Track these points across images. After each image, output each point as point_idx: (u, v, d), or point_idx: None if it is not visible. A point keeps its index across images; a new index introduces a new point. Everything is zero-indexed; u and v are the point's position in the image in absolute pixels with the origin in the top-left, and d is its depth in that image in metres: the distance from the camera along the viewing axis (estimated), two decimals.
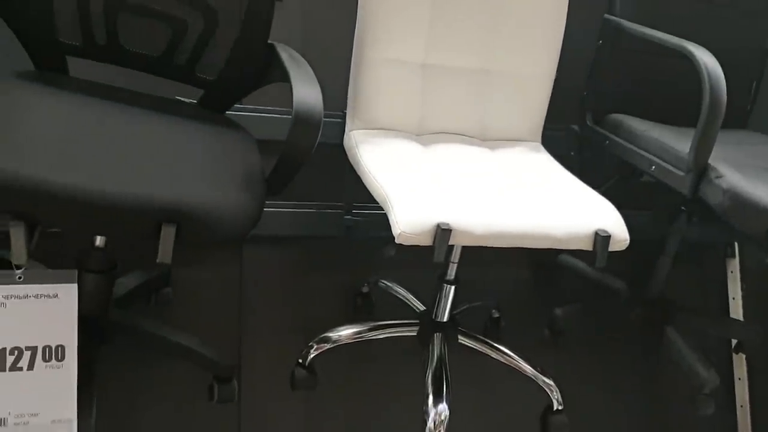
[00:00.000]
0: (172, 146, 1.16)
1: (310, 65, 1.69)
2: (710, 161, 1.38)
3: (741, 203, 1.33)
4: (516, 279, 1.89)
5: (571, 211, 1.29)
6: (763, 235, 1.38)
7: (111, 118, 1.18)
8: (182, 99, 1.51)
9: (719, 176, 1.35)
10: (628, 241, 1.29)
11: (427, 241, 1.19)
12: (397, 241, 1.19)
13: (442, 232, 1.17)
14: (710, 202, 1.37)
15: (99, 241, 1.32)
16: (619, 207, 1.33)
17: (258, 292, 1.71)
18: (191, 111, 1.37)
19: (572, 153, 1.85)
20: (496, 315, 1.81)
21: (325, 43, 1.69)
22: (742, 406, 2.02)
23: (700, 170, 1.38)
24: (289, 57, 1.26)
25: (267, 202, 1.70)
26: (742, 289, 2.04)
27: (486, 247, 1.38)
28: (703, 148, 1.36)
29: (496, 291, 1.87)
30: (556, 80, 1.63)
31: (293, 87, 1.15)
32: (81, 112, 1.16)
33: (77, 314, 1.22)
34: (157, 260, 1.04)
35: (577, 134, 1.74)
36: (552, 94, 1.62)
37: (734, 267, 2.06)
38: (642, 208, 1.90)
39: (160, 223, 1.02)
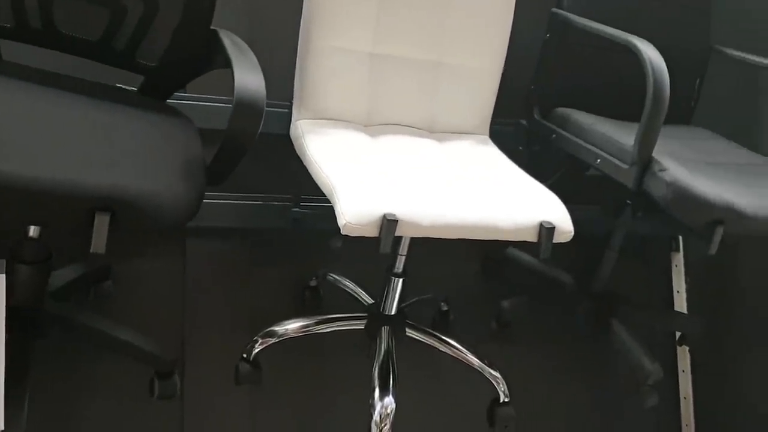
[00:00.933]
0: (109, 133, 1.12)
1: (257, 53, 1.66)
2: (654, 155, 1.40)
3: (684, 196, 1.35)
4: (465, 272, 1.89)
5: (517, 204, 1.29)
6: (705, 227, 1.40)
7: (45, 104, 1.14)
8: (123, 86, 1.47)
9: (663, 169, 1.37)
10: (572, 233, 1.29)
11: (373, 233, 1.17)
12: (342, 232, 1.17)
13: (389, 223, 1.16)
14: (654, 195, 1.38)
15: (33, 231, 1.27)
16: (567, 201, 1.34)
17: (203, 285, 1.68)
18: (131, 98, 1.33)
19: (520, 147, 1.86)
20: (445, 308, 1.81)
21: (273, 31, 1.66)
22: (685, 398, 2.06)
23: (644, 164, 1.39)
24: (231, 43, 1.23)
25: (213, 193, 1.69)
26: (686, 283, 2.08)
27: (435, 239, 1.38)
28: (646, 141, 1.37)
29: (446, 284, 1.86)
30: (505, 74, 1.63)
31: (235, 73, 1.12)
32: (12, 98, 1.11)
33: (6, 306, 1.17)
34: (91, 250, 1.00)
35: (525, 128, 1.75)
36: (501, 87, 1.62)
37: (678, 261, 2.09)
38: (591, 202, 1.91)
39: (93, 211, 0.99)
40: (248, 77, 1.12)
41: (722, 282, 1.99)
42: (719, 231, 1.38)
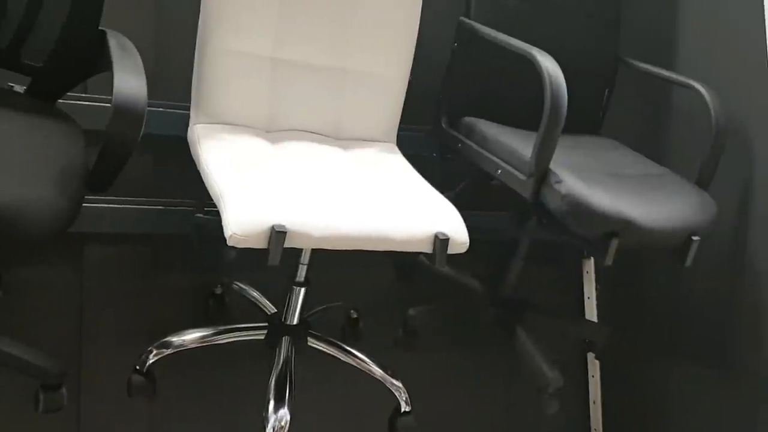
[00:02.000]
0: None
1: (161, 54, 1.62)
2: (552, 166, 1.41)
3: (578, 208, 1.36)
4: (376, 279, 1.88)
5: (413, 214, 1.28)
6: (600, 239, 1.42)
7: None
8: (12, 86, 1.40)
9: (558, 181, 1.38)
10: (467, 245, 1.29)
11: (261, 244, 1.14)
12: (228, 243, 1.14)
13: (277, 234, 1.13)
14: (549, 206, 1.39)
15: None
16: (478, 208, 1.33)
17: (101, 293, 1.62)
18: (15, 100, 1.27)
19: (434, 154, 1.86)
20: (355, 316, 1.79)
21: (178, 32, 1.61)
22: (594, 403, 2.10)
23: (541, 175, 1.40)
24: (117, 44, 1.18)
25: (113, 197, 1.63)
26: (596, 289, 2.11)
27: (347, 250, 1.36)
28: (543, 152, 1.38)
29: (356, 291, 1.84)
30: (419, 81, 1.62)
31: (114, 76, 1.08)
32: None
33: None
34: None
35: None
36: (415, 95, 1.61)
37: (589, 267, 2.13)
38: (503, 209, 1.93)
39: None
40: (128, 80, 1.08)
41: (632, 288, 2.03)
42: (614, 243, 1.40)
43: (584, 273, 2.14)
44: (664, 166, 1.72)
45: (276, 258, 1.14)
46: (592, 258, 2.12)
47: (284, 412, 1.36)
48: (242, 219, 1.13)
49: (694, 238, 1.49)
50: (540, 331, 1.76)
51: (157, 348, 1.46)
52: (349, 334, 1.79)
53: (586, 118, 1.85)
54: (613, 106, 1.90)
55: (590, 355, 2.09)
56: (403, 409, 1.56)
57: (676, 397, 1.89)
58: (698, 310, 1.83)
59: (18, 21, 1.25)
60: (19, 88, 1.37)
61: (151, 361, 1.46)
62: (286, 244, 1.15)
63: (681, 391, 1.87)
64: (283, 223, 1.14)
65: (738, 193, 1.71)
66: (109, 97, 1.56)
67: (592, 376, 2.10)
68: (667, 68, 1.80)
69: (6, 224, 0.96)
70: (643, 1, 1.97)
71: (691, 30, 1.87)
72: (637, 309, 2.01)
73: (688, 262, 1.51)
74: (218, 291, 1.70)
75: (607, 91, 1.87)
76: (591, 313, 2.12)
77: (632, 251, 2.02)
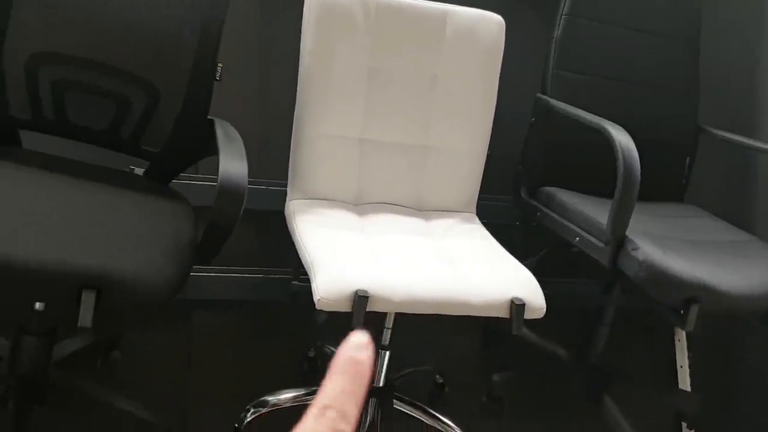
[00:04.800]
0: (105, 215, 1.24)
1: (263, 138, 1.79)
2: (629, 234, 1.44)
3: (656, 275, 1.39)
4: (462, 344, 1.93)
5: (490, 280, 1.35)
6: (680, 305, 1.43)
7: (51, 189, 1.26)
8: (133, 168, 1.60)
9: (635, 248, 1.41)
10: (544, 310, 1.34)
11: (346, 307, 1.24)
12: (317, 306, 1.25)
13: (360, 298, 1.23)
14: (628, 273, 1.42)
15: (38, 305, 1.38)
16: (562, 276, 1.37)
17: (206, 355, 1.76)
18: (135, 182, 1.45)
19: (517, 222, 1.92)
20: (440, 381, 1.84)
21: (278, 118, 1.79)
22: None
23: (618, 242, 1.44)
24: (223, 132, 1.34)
25: (218, 267, 1.79)
26: (689, 358, 2.07)
27: (433, 314, 1.44)
28: (619, 220, 1.43)
29: (443, 356, 1.90)
30: (499, 153, 1.71)
31: (220, 160, 1.22)
32: (21, 184, 1.24)
33: (12, 374, 1.27)
34: (78, 324, 1.09)
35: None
36: (496, 166, 1.70)
37: (681, 336, 2.09)
38: (588, 277, 1.95)
39: (81, 288, 1.09)
40: (232, 163, 1.22)
41: (726, 357, 1.98)
42: (694, 309, 1.41)
43: (676, 342, 2.10)
44: (751, 233, 1.71)
45: (359, 321, 1.23)
46: None
47: None
48: (329, 285, 1.23)
49: None
50: (630, 401, 1.75)
51: (255, 407, 1.57)
52: (435, 398, 1.84)
53: (668, 186, 1.87)
54: (697, 174, 1.92)
55: (684, 426, 2.03)
56: None
57: None
58: None
59: (140, 114, 1.44)
60: (139, 171, 1.56)
61: (248, 419, 1.57)
62: (369, 308, 1.24)
63: None
64: (365, 288, 1.23)
65: None
66: (217, 177, 1.75)
67: None
68: (749, 135, 1.81)
69: (125, 289, 1.10)
70: (722, 70, 1.99)
71: None
72: (731, 379, 1.96)
73: None
74: (311, 354, 1.81)
75: (688, 159, 1.89)
76: (684, 383, 2.07)
77: (724, 319, 1.98)
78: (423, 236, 1.50)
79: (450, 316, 1.69)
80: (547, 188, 1.70)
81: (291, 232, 1.48)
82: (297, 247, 1.40)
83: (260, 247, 1.84)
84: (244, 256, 1.81)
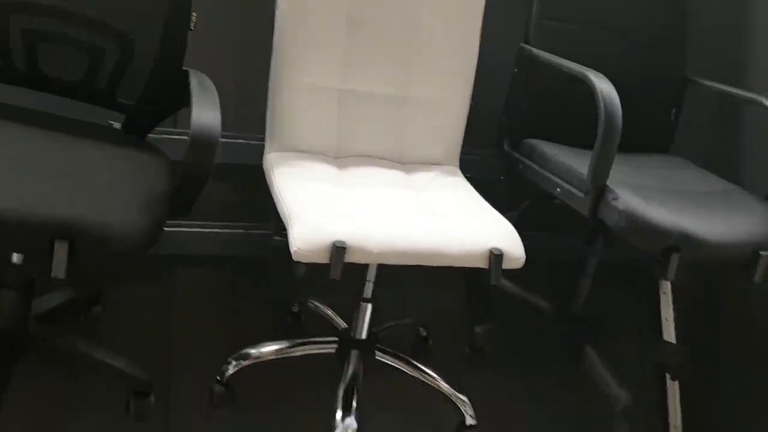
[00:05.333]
0: (78, 166, 1.22)
1: (240, 90, 1.76)
2: (609, 183, 1.43)
3: (636, 223, 1.38)
4: (445, 299, 1.94)
5: (470, 231, 1.34)
6: (661, 254, 1.43)
7: (25, 141, 1.24)
8: (111, 123, 1.57)
9: (615, 198, 1.41)
10: (523, 260, 1.33)
11: (323, 258, 1.23)
12: (294, 258, 1.24)
13: (337, 249, 1.22)
14: (608, 223, 1.42)
15: (16, 258, 1.37)
16: (545, 229, 1.36)
17: (189, 310, 1.76)
18: (112, 135, 1.43)
19: (501, 177, 1.91)
20: (424, 333, 1.85)
21: (255, 69, 1.76)
22: (675, 427, 2.05)
23: (598, 192, 1.43)
24: (197, 83, 1.32)
25: (197, 222, 1.78)
26: (674, 310, 2.08)
27: (416, 267, 1.43)
28: (599, 170, 1.41)
29: (426, 309, 1.91)
30: (481, 106, 1.69)
31: (192, 110, 1.20)
32: None
33: None
34: (52, 275, 1.09)
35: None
36: (478, 119, 1.68)
37: (666, 289, 2.10)
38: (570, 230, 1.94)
39: (53, 238, 1.08)
40: (204, 113, 1.20)
41: (710, 308, 1.99)
42: (675, 258, 1.41)
43: (661, 294, 2.11)
44: (737, 184, 1.70)
45: (337, 272, 1.23)
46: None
47: (351, 421, 1.43)
48: (306, 235, 1.22)
49: (762, 253, 1.47)
50: (612, 352, 1.76)
51: (236, 359, 1.57)
52: (419, 351, 1.85)
53: (653, 138, 1.85)
54: (683, 125, 1.90)
55: (668, 378, 2.05)
56: (468, 423, 1.60)
57: (760, 414, 1.82)
58: None
59: (114, 65, 1.41)
60: (117, 125, 1.54)
61: (231, 372, 1.57)
62: (347, 259, 1.23)
63: (763, 407, 1.81)
64: (343, 239, 1.22)
65: None
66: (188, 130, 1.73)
67: (672, 400, 2.05)
68: (737, 86, 1.79)
69: (97, 239, 1.09)
70: (710, 20, 1.96)
71: (760, 46, 1.84)
72: (714, 330, 1.97)
73: (757, 278, 1.48)
74: (295, 309, 1.81)
75: (674, 110, 1.87)
76: (669, 335, 2.08)
77: (706, 270, 1.99)
78: (404, 189, 1.49)
79: (432, 270, 1.69)
80: (529, 140, 1.69)
81: (269, 186, 1.47)
82: (275, 200, 1.39)
83: (241, 203, 1.83)
84: (225, 212, 1.80)
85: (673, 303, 2.08)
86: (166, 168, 1.35)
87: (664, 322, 2.10)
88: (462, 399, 1.60)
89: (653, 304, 2.12)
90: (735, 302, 1.91)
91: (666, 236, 1.39)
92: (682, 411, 2.04)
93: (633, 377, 1.76)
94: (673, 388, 2.07)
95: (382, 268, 1.60)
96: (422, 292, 1.93)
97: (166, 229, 1.69)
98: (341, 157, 1.58)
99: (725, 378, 1.93)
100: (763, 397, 1.81)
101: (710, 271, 1.98)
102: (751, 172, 1.84)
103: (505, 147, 1.72)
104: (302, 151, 1.54)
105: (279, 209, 1.35)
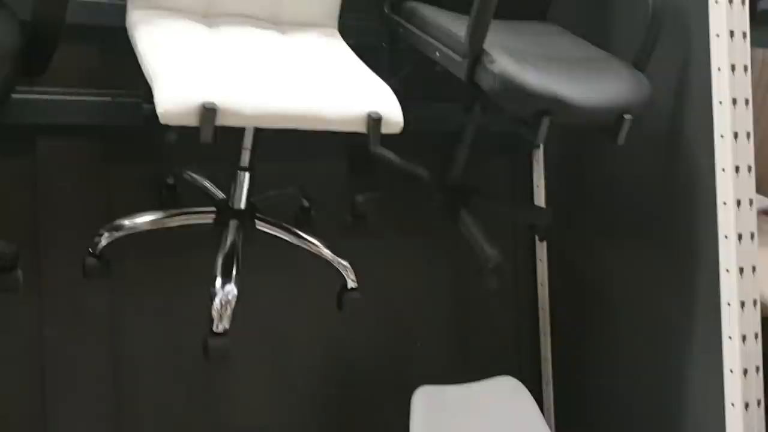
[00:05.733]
0: None
1: None
2: (486, 47, 1.43)
3: (510, 87, 1.40)
4: (327, 170, 1.93)
5: (347, 94, 1.32)
6: (532, 118, 1.46)
7: None
8: None
9: (492, 61, 1.41)
10: (401, 124, 1.33)
11: (192, 121, 1.18)
12: (161, 121, 1.18)
13: (207, 111, 1.17)
14: (484, 87, 1.43)
15: None
16: (427, 99, 1.35)
17: (55, 183, 1.66)
18: None
19: (384, 44, 1.87)
20: (306, 203, 1.85)
21: None
22: (542, 285, 2.20)
23: (476, 56, 1.43)
24: None
25: (60, 89, 1.65)
26: (545, 178, 2.18)
27: (296, 137, 1.40)
28: (476, 33, 1.41)
29: (309, 180, 1.90)
30: None
31: None
32: None
33: None
34: None
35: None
36: None
37: (539, 157, 2.18)
38: (452, 100, 1.96)
39: None
40: None
41: (578, 175, 2.09)
42: (546, 121, 1.45)
43: (534, 163, 2.20)
44: (609, 52, 1.74)
45: (208, 135, 1.18)
46: (541, 147, 2.17)
47: (231, 288, 1.43)
48: (173, 97, 1.16)
49: (626, 116, 1.54)
50: (486, 216, 1.83)
51: (109, 230, 1.52)
52: (301, 221, 1.85)
53: (531, 4, 1.86)
54: None
55: (537, 239, 2.18)
56: (349, 286, 1.64)
57: (617, 273, 1.98)
58: (637, 189, 1.89)
59: None
60: None
61: (104, 244, 1.52)
62: (219, 122, 1.19)
63: (621, 267, 1.96)
64: (213, 101, 1.17)
65: (675, 74, 1.74)
66: None
67: (540, 260, 2.19)
68: None
69: None
70: None
71: None
72: (581, 194, 2.08)
73: (620, 140, 1.56)
74: (170, 181, 1.75)
75: None
76: (540, 201, 2.19)
77: (577, 137, 2.08)
78: (277, 50, 1.43)
79: (314, 141, 1.67)
80: (409, 3, 1.65)
81: (133, 47, 1.37)
82: (140, 62, 1.30)
83: (109, 69, 1.70)
84: (89, 78, 1.67)
85: (545, 170, 2.18)
86: (13, 25, 1.23)
87: (535, 189, 2.21)
88: (343, 264, 1.63)
89: (528, 172, 2.21)
90: (602, 169, 2.01)
91: (537, 100, 1.42)
92: (549, 269, 2.19)
93: (504, 238, 1.85)
94: (541, 248, 2.20)
95: (260, 135, 1.56)
96: (304, 164, 1.91)
97: (25, 96, 1.59)
98: (211, 16, 1.49)
99: (589, 239, 2.06)
100: (623, 255, 1.96)
101: (578, 134, 2.07)
102: (623, 41, 1.90)
103: (385, 9, 1.67)
104: (168, 9, 1.44)
105: (144, 72, 1.27)
